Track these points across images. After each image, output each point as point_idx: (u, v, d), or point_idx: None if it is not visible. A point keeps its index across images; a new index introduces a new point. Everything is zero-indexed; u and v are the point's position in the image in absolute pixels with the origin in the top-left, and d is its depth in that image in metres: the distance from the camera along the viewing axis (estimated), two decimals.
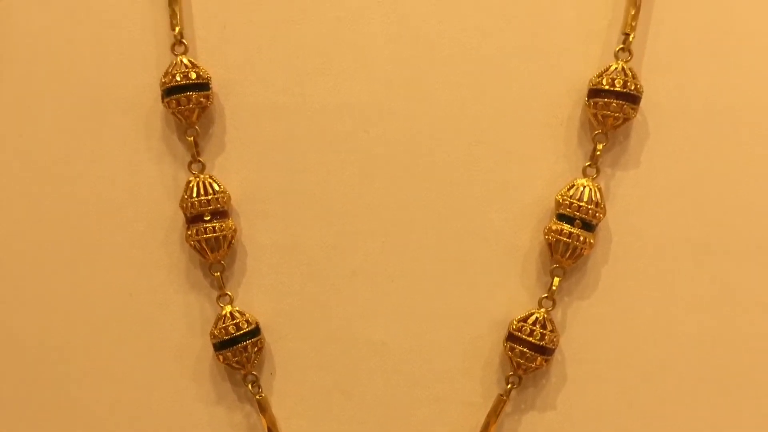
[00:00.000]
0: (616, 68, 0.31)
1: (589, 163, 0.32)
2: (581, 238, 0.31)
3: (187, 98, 0.32)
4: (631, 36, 0.31)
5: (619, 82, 0.31)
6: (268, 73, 0.33)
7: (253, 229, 0.33)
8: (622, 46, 0.32)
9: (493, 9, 0.32)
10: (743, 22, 0.32)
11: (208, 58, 0.33)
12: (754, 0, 0.32)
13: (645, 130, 0.32)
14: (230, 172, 0.33)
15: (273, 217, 0.33)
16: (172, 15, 0.32)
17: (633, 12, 0.31)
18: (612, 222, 0.32)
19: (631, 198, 0.32)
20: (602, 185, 0.32)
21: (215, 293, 0.33)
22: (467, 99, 0.32)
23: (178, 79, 0.32)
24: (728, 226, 0.32)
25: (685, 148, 0.32)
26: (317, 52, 0.33)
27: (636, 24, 0.31)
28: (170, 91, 0.32)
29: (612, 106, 0.31)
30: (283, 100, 0.33)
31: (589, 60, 0.32)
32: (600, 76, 0.31)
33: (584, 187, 0.31)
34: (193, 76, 0.32)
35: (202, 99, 0.32)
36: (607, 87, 0.31)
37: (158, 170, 0.33)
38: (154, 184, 0.33)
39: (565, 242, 0.31)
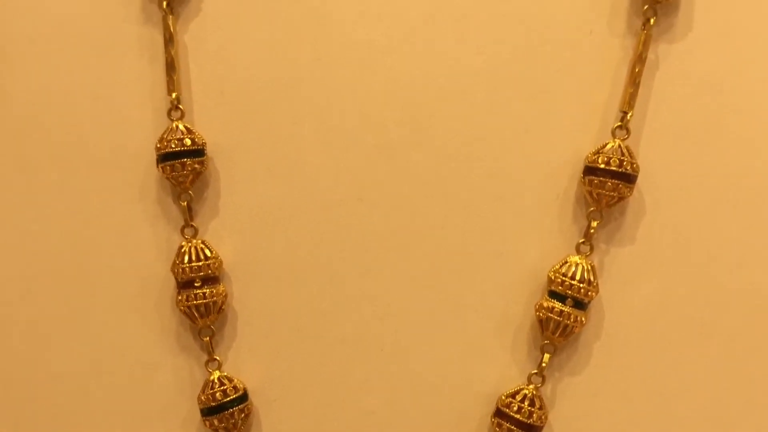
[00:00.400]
0: (613, 146, 0.31)
1: (582, 240, 0.32)
2: (572, 317, 0.31)
3: (181, 164, 0.32)
4: (629, 114, 0.31)
5: (614, 161, 0.31)
6: (263, 139, 0.33)
7: (245, 293, 0.33)
8: (619, 123, 0.31)
9: (492, 80, 0.32)
10: (740, 101, 0.31)
11: (205, 122, 0.33)
12: (750, 79, 0.31)
13: (641, 207, 0.32)
14: (223, 236, 0.33)
15: (265, 282, 0.33)
16: (169, 81, 0.32)
17: (631, 90, 0.31)
18: (605, 298, 0.32)
19: (625, 275, 0.32)
20: (596, 261, 0.32)
21: (205, 357, 0.33)
22: (464, 170, 0.32)
23: (173, 145, 0.32)
24: (723, 304, 0.32)
25: (681, 226, 0.32)
26: (313, 119, 0.33)
27: (634, 102, 0.31)
28: (165, 157, 0.32)
29: (607, 185, 0.31)
30: (277, 167, 0.33)
31: (587, 135, 0.32)
32: (596, 154, 0.31)
33: (577, 264, 0.31)
34: (188, 142, 0.32)
35: (196, 165, 0.32)
36: (602, 166, 0.31)
37: (153, 232, 0.33)
38: (148, 246, 0.33)
39: (555, 320, 0.31)
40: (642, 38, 0.31)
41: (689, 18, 0.32)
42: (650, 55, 0.32)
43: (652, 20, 0.31)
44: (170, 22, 0.32)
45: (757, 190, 0.32)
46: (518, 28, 0.32)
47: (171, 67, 0.32)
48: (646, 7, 0.31)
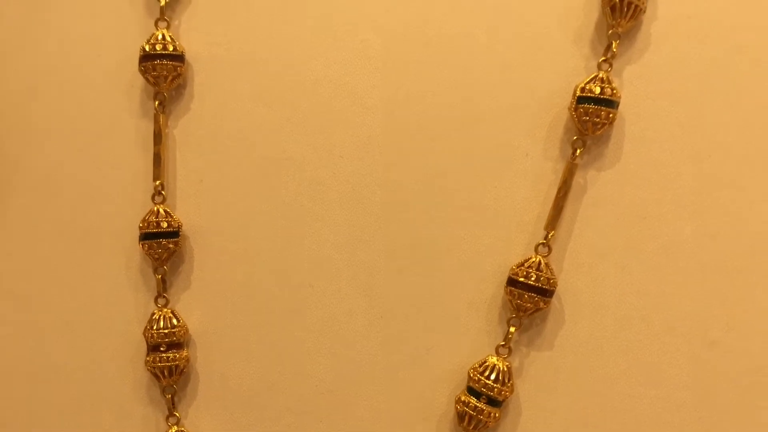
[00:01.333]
0: (534, 261, 0.34)
1: (503, 343, 0.35)
2: (486, 412, 0.34)
3: (158, 243, 0.37)
4: (551, 234, 0.34)
5: (533, 276, 0.34)
6: (234, 225, 0.37)
7: (207, 358, 0.38)
8: (543, 241, 0.34)
9: (430, 190, 0.35)
10: (659, 229, 0.34)
11: (185, 206, 0.38)
12: (669, 209, 0.34)
13: (561, 317, 0.35)
14: (193, 307, 0.38)
15: (226, 350, 0.38)
16: (155, 170, 0.37)
17: (554, 213, 0.34)
18: (523, 398, 0.35)
19: (543, 377, 0.35)
20: (516, 362, 0.35)
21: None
22: (406, 273, 0.36)
23: (152, 227, 0.37)
24: (635, 417, 0.34)
25: (595, 340, 0.34)
26: (275, 212, 0.37)
27: (556, 223, 0.34)
28: (146, 236, 0.37)
29: (525, 297, 0.34)
30: (244, 250, 0.37)
31: (516, 247, 0.35)
32: (519, 266, 0.34)
33: (494, 365, 0.34)
34: (165, 225, 0.37)
35: (171, 245, 0.37)
36: (522, 279, 0.34)
37: (134, 299, 0.38)
38: (129, 310, 0.38)
39: (470, 414, 0.34)
40: (568, 166, 0.34)
41: (618, 150, 0.34)
42: (579, 180, 0.35)
43: (578, 151, 0.34)
44: (161, 120, 0.37)
45: (667, 312, 0.34)
46: (459, 146, 0.35)
47: (157, 158, 0.37)
48: (575, 137, 0.34)
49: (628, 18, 0.33)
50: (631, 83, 0.34)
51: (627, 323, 0.34)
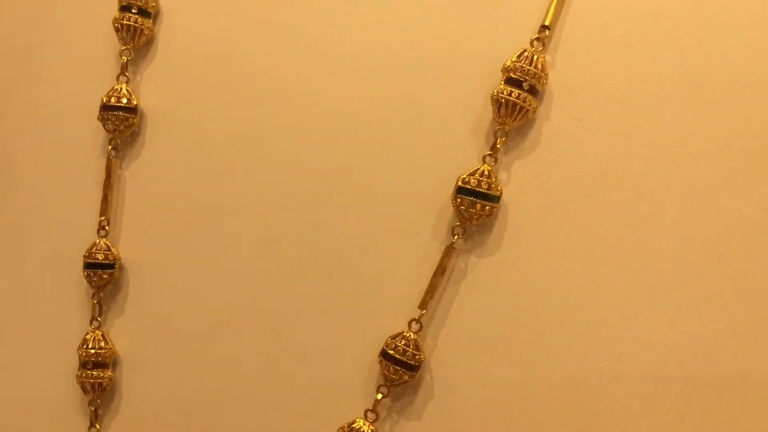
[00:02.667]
0: (405, 336, 0.36)
1: (370, 408, 0.37)
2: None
3: (95, 273, 0.41)
4: (423, 312, 0.36)
5: (400, 350, 0.36)
6: (168, 262, 0.41)
7: (132, 379, 0.42)
8: (415, 318, 0.36)
9: (314, 270, 0.38)
10: (530, 318, 0.35)
11: (127, 240, 0.42)
12: (540, 295, 0.35)
13: (431, 391, 0.37)
14: (124, 332, 0.42)
15: (150, 373, 0.42)
16: (102, 206, 0.42)
17: (428, 292, 0.36)
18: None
19: None
20: (387, 428, 0.37)
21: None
22: (291, 337, 0.39)
23: (92, 258, 0.41)
24: None
25: (459, 415, 0.36)
26: (208, 249, 0.41)
27: (428, 303, 0.36)
28: (87, 265, 0.41)
29: (392, 369, 0.36)
30: (175, 283, 0.41)
31: (396, 320, 0.37)
32: (392, 338, 0.36)
33: (360, 428, 0.37)
34: (101, 257, 0.41)
35: (105, 275, 0.41)
36: (391, 352, 0.36)
37: (79, 319, 0.43)
38: (73, 329, 0.43)
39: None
40: (446, 250, 0.36)
41: (499, 241, 0.36)
42: (461, 264, 0.36)
43: (456, 237, 0.36)
44: (112, 163, 0.42)
45: (529, 404, 0.35)
46: (356, 214, 0.38)
47: (105, 196, 0.42)
48: (456, 224, 0.36)
49: (514, 117, 0.35)
50: (519, 178, 0.36)
51: (492, 404, 0.35)
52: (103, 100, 0.42)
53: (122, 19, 0.42)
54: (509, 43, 0.36)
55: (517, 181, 0.36)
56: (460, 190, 0.35)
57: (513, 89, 0.34)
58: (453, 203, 0.35)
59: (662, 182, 0.34)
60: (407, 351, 0.36)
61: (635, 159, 0.34)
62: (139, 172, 0.42)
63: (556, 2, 0.35)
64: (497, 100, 0.35)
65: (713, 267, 0.33)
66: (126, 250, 0.42)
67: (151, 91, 0.42)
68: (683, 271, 0.34)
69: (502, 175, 0.36)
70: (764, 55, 0.34)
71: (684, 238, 0.34)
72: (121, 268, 0.42)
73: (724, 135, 0.34)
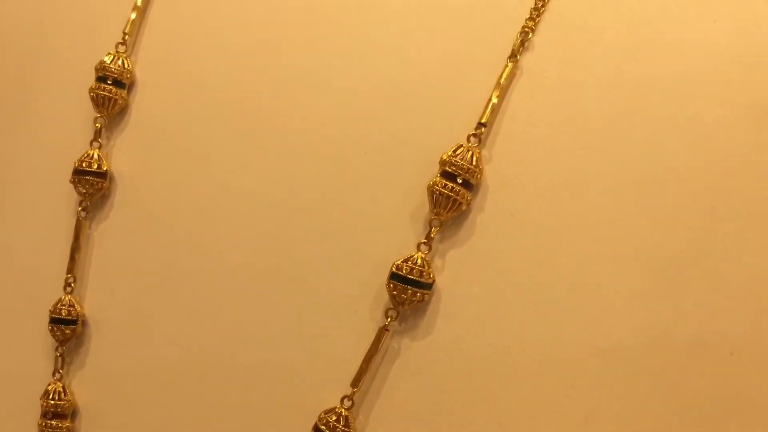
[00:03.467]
0: (337, 412, 0.37)
1: None
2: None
3: (59, 327, 0.43)
4: (355, 390, 0.37)
5: (331, 425, 0.37)
6: (131, 316, 0.43)
7: (89, 429, 0.44)
8: (347, 395, 0.38)
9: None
10: (455, 403, 0.36)
11: (92, 296, 0.44)
12: (465, 380, 0.36)
13: None
14: (85, 384, 0.44)
15: (108, 426, 0.44)
16: (70, 263, 0.44)
17: (360, 371, 0.37)
18: None
19: None
20: None
21: None
22: None
23: (56, 313, 0.44)
24: None
25: None
26: (170, 312, 0.43)
27: (360, 383, 0.37)
28: (52, 320, 0.44)
29: None
30: (138, 338, 0.43)
31: (326, 396, 0.39)
32: (326, 413, 0.37)
33: None
34: (65, 312, 0.43)
35: (68, 331, 0.43)
36: (323, 427, 0.37)
37: (45, 370, 0.45)
38: (39, 380, 0.45)
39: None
40: (378, 332, 0.37)
41: (431, 325, 0.37)
42: (395, 345, 0.38)
43: (389, 319, 0.37)
44: (81, 223, 0.44)
45: None
46: (299, 289, 0.39)
47: (72, 254, 0.44)
48: (390, 307, 0.37)
49: (448, 209, 0.36)
50: (452, 265, 0.37)
51: None
52: (75, 164, 0.44)
53: (98, 89, 0.44)
54: (451, 135, 0.37)
55: (451, 269, 0.37)
56: (393, 276, 0.36)
57: (447, 182, 0.36)
58: (387, 288, 0.37)
59: (587, 278, 0.35)
60: (337, 427, 0.37)
61: (562, 254, 0.35)
62: (107, 233, 0.45)
63: (493, 101, 0.37)
64: (432, 191, 0.36)
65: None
66: (90, 307, 0.44)
67: (122, 156, 0.45)
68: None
69: (438, 262, 0.37)
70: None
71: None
72: (85, 323, 0.44)
73: (652, 240, 0.35)
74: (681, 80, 0.35)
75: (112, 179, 0.45)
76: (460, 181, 0.36)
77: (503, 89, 0.37)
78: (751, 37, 0.35)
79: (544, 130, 0.37)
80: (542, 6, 0.37)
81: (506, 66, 0.37)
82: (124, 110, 0.45)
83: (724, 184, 0.34)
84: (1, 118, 0.47)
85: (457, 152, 0.36)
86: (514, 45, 0.37)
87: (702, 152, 0.35)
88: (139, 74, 0.45)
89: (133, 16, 0.45)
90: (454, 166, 0.36)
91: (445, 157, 0.36)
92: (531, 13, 0.37)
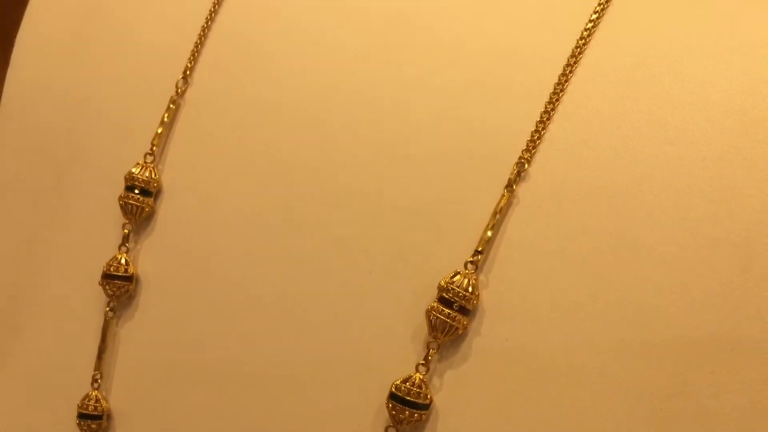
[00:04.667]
0: None
1: None
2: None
3: (86, 424, 0.46)
4: None
5: None
6: (155, 415, 0.46)
7: None
8: None
9: None
10: None
11: (118, 393, 0.47)
12: None
13: None
14: None
15: None
16: (96, 361, 0.47)
17: None
18: None
19: None
20: None
21: None
22: None
23: (83, 409, 0.46)
24: None
25: None
26: (191, 411, 0.45)
27: None
28: (80, 415, 0.46)
29: None
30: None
31: None
32: None
33: None
34: (91, 408, 0.46)
35: (94, 426, 0.46)
36: None
37: None
38: None
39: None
40: None
41: None
42: None
43: None
44: (109, 323, 0.47)
45: None
46: (297, 415, 0.41)
47: (100, 352, 0.47)
48: (389, 425, 0.39)
49: (445, 333, 0.38)
50: (450, 386, 0.39)
51: None
52: (104, 268, 0.47)
53: (126, 198, 0.47)
54: (450, 260, 0.39)
55: (448, 388, 0.39)
56: (393, 396, 0.38)
57: (444, 308, 0.38)
58: (386, 407, 0.38)
59: (581, 407, 0.36)
60: None
61: (555, 380, 0.37)
62: (133, 331, 0.47)
63: (490, 229, 0.38)
64: (429, 316, 0.38)
65: None
66: (116, 402, 0.47)
67: (148, 259, 0.48)
68: None
69: (436, 382, 0.39)
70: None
71: None
72: (110, 417, 0.47)
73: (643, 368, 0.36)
74: (669, 217, 0.36)
75: (138, 281, 0.47)
76: (456, 307, 0.38)
77: (500, 218, 0.39)
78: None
79: (538, 258, 0.38)
80: (538, 138, 0.39)
81: (503, 195, 0.39)
82: (150, 216, 0.48)
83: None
84: (38, 221, 0.51)
85: (454, 279, 0.38)
86: (511, 175, 0.39)
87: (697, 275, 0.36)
88: (166, 182, 0.48)
89: (160, 130, 0.48)
90: (451, 293, 0.38)
91: (442, 283, 0.38)
92: (527, 145, 0.39)
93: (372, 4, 0.45)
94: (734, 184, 0.36)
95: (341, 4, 0.46)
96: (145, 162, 0.48)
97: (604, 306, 0.37)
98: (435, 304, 0.38)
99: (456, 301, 0.38)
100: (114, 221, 0.48)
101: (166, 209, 0.48)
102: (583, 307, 0.37)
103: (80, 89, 0.51)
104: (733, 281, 0.35)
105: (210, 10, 0.49)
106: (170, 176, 0.48)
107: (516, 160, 0.39)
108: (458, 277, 0.38)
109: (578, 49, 0.40)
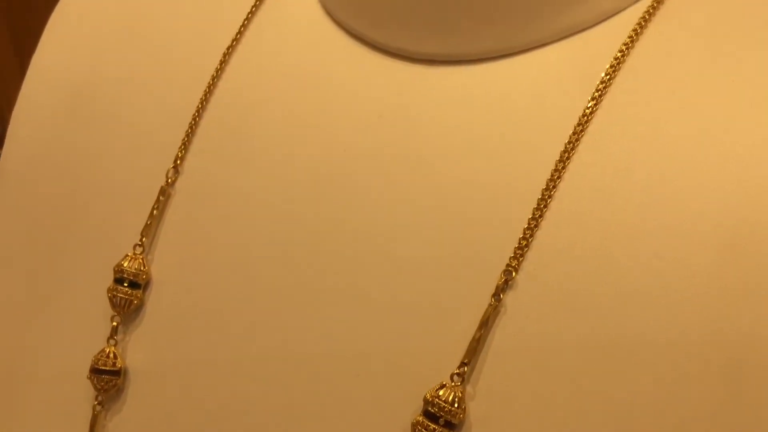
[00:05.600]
0: None
1: None
2: None
3: None
4: None
5: None
6: None
7: None
8: None
9: None
10: None
11: None
12: None
13: None
14: None
15: None
16: None
17: None
18: None
19: None
20: None
21: None
22: None
23: None
24: None
25: None
26: None
27: None
28: None
29: None
30: None
31: None
32: None
33: None
34: None
35: None
36: None
37: None
38: None
39: None
40: None
41: None
42: None
43: None
44: (97, 416, 0.47)
45: None
46: None
47: None
48: None
49: None
50: None
51: None
52: (92, 361, 0.47)
53: (115, 290, 0.47)
54: (437, 370, 0.38)
55: None
56: None
57: (430, 423, 0.37)
58: None
59: None
60: None
61: None
62: (122, 425, 0.47)
63: (478, 341, 0.38)
64: (415, 430, 0.37)
65: None
66: None
67: (137, 351, 0.47)
68: None
69: None
70: None
71: None
72: None
73: None
74: (659, 332, 0.36)
75: (126, 374, 0.47)
76: (442, 422, 0.37)
77: (487, 327, 0.38)
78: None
79: (527, 369, 0.37)
80: (526, 245, 0.38)
81: (490, 304, 0.38)
82: (139, 308, 0.48)
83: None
84: (30, 306, 0.50)
85: (440, 392, 0.37)
86: (498, 282, 0.38)
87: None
88: (155, 272, 0.48)
89: (149, 221, 0.47)
90: (437, 407, 0.37)
91: (428, 396, 0.37)
92: (515, 252, 0.38)
93: (364, 99, 0.45)
94: (723, 302, 0.35)
95: (334, 98, 0.46)
96: (134, 253, 0.48)
97: (594, 420, 0.36)
98: (420, 418, 0.37)
99: (442, 416, 0.37)
100: (103, 311, 0.48)
101: (155, 300, 0.48)
102: (571, 422, 0.36)
103: (72, 175, 0.51)
104: (721, 399, 0.35)
105: (201, 99, 0.49)
106: (160, 266, 0.48)
107: (503, 267, 0.38)
108: (444, 390, 0.37)
109: (566, 154, 0.39)
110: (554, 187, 0.39)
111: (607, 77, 0.40)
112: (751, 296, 0.34)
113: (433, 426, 0.37)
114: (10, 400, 0.50)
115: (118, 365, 0.46)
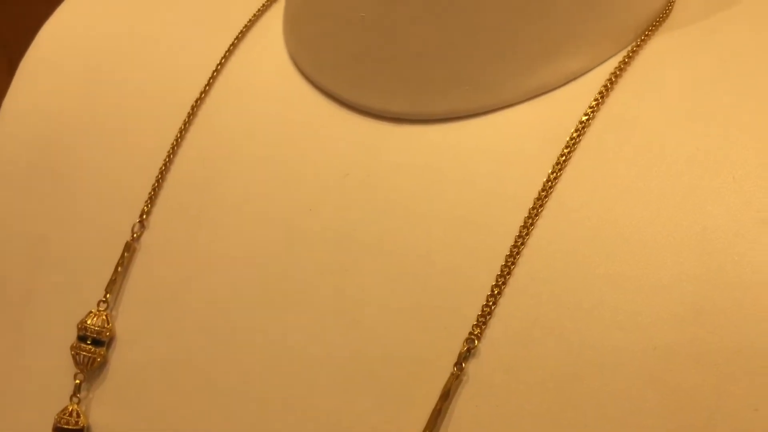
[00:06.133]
0: None
1: None
2: None
3: None
4: None
5: None
6: None
7: None
8: None
9: None
10: None
11: None
12: None
13: None
14: None
15: None
16: None
17: None
18: None
19: None
20: None
21: None
22: None
23: None
24: None
25: None
26: None
27: None
28: None
29: None
30: None
31: None
32: None
33: None
34: None
35: None
36: None
37: None
38: None
39: None
40: None
41: None
42: None
43: None
44: None
45: None
46: None
47: None
48: None
49: None
50: None
51: None
52: (55, 420, 0.46)
53: (78, 348, 0.46)
54: None
55: None
56: None
57: None
58: None
59: None
60: None
61: None
62: None
63: (439, 413, 0.37)
64: None
65: None
66: None
67: (100, 409, 0.47)
68: None
69: None
70: None
71: None
72: None
73: None
74: (619, 407, 0.35)
75: None
76: None
77: (449, 399, 0.37)
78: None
79: None
80: (489, 313, 0.38)
81: (452, 373, 0.38)
82: (103, 365, 0.47)
83: None
84: None
85: None
86: (460, 351, 0.38)
87: None
88: (119, 328, 0.47)
89: (114, 277, 0.47)
90: None
91: None
92: (477, 320, 0.38)
93: (331, 157, 0.45)
94: (684, 375, 0.35)
95: (301, 155, 0.46)
96: (98, 310, 0.47)
97: None
98: None
99: None
100: (67, 368, 0.47)
101: (119, 357, 0.47)
102: None
103: (37, 228, 0.50)
104: None
105: (168, 152, 0.49)
106: (124, 323, 0.47)
107: (466, 335, 0.38)
108: None
109: (530, 219, 0.39)
110: (518, 253, 0.39)
111: (572, 142, 0.40)
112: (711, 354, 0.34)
113: None
114: None
115: (81, 424, 0.46)
